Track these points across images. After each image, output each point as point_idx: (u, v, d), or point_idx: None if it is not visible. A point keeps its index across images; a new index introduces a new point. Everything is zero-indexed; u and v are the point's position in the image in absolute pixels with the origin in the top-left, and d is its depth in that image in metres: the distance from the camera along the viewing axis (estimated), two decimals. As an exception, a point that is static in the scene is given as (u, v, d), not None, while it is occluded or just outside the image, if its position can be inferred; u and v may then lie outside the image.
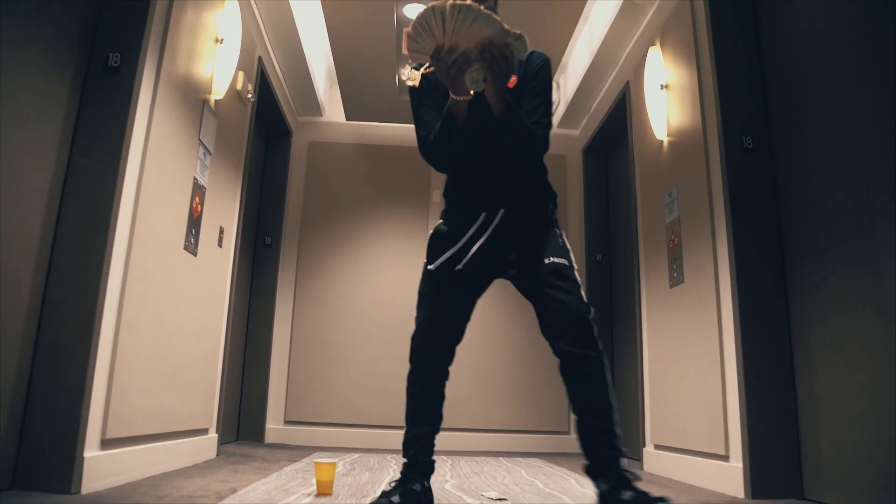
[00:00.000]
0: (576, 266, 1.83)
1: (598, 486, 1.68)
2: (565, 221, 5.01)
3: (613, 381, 1.74)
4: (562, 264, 1.79)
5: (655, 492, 1.60)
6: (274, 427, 4.51)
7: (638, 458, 3.63)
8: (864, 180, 2.21)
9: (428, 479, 1.85)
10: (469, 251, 1.85)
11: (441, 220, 1.99)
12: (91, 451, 2.03)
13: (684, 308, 3.11)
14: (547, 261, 1.79)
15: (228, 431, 4.10)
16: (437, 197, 4.93)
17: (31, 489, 1.91)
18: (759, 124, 2.84)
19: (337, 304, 4.74)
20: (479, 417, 4.53)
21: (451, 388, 1.92)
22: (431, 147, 1.87)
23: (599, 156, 5.03)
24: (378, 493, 1.85)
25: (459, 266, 1.84)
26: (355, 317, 4.73)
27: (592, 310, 1.75)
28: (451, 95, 1.74)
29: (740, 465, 2.53)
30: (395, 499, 1.73)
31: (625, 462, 1.66)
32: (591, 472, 1.71)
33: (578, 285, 1.78)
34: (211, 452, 3.14)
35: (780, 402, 2.56)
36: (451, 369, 1.91)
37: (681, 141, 3.26)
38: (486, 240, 1.86)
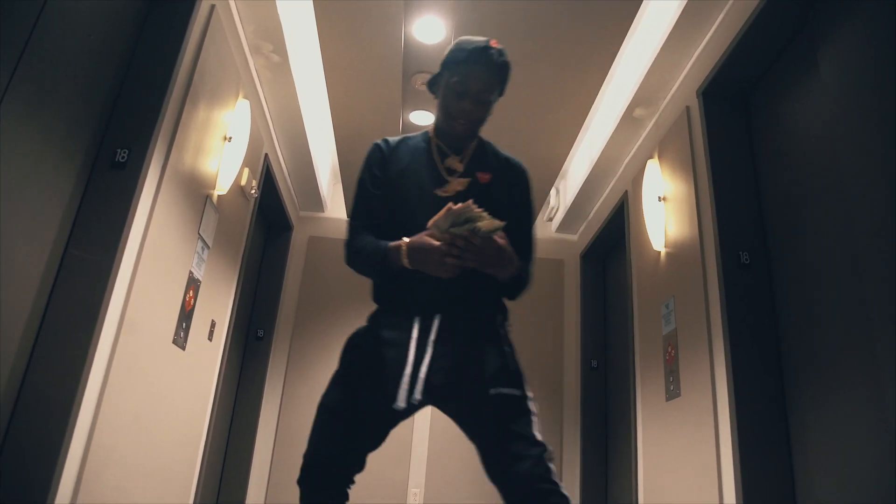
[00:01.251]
0: (530, 394, 1.53)
1: None
2: (561, 325, 4.97)
3: None
4: (511, 396, 1.50)
5: None
6: (252, 528, 4.30)
7: (633, 582, 3.43)
8: (862, 296, 2.19)
9: None
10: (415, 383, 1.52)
11: (368, 323, 1.70)
12: (52, 558, 1.91)
13: (681, 423, 3.03)
14: (493, 391, 1.49)
15: (204, 534, 3.90)
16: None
17: None
18: (756, 240, 2.86)
19: (327, 401, 4.62)
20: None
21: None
22: (354, 253, 1.67)
23: (597, 261, 5.05)
24: None
25: (401, 404, 1.52)
26: (345, 415, 4.60)
27: (549, 449, 1.45)
28: (409, 259, 1.51)
29: None
30: None
31: None
32: None
33: (531, 422, 1.48)
34: (182, 558, 2.98)
35: (781, 530, 2.44)
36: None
37: (678, 253, 3.27)
38: (419, 355, 1.54)
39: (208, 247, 3.00)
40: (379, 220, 1.68)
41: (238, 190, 3.39)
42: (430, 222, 1.47)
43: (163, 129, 2.43)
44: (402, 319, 1.59)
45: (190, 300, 2.82)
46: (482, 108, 1.67)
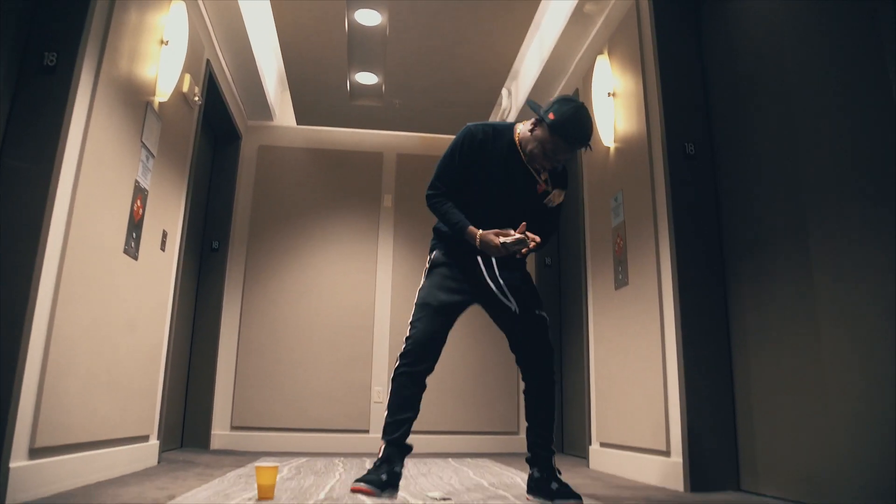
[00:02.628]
0: None
1: (531, 472, 2.24)
2: (517, 226, 5.06)
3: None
4: (545, 318, 2.29)
5: (589, 488, 1.85)
6: (220, 433, 4.44)
7: (584, 455, 3.67)
8: (798, 185, 2.29)
9: (403, 460, 2.15)
10: (496, 283, 2.25)
11: (440, 251, 2.32)
12: (18, 462, 1.96)
13: (628, 309, 3.17)
14: (538, 313, 2.27)
15: (172, 438, 4.01)
16: (389, 202, 4.94)
17: (-45, 500, 1.84)
18: (702, 131, 2.92)
19: (286, 308, 4.69)
20: (431, 419, 4.52)
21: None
22: (437, 210, 2.29)
23: (550, 162, 5.08)
24: (364, 472, 2.11)
25: (502, 296, 2.25)
26: (304, 322, 4.69)
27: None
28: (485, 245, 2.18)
29: (680, 459, 2.59)
30: (384, 476, 2.06)
31: (555, 460, 2.24)
32: (530, 462, 2.25)
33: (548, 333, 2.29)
34: (151, 460, 3.07)
35: (718, 398, 2.63)
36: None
37: (627, 147, 3.32)
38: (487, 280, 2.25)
39: (153, 156, 2.93)
40: (454, 190, 2.28)
41: (180, 97, 3.29)
42: (500, 239, 2.14)
43: (92, 30, 2.32)
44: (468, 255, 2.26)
45: (138, 210, 2.79)
46: None
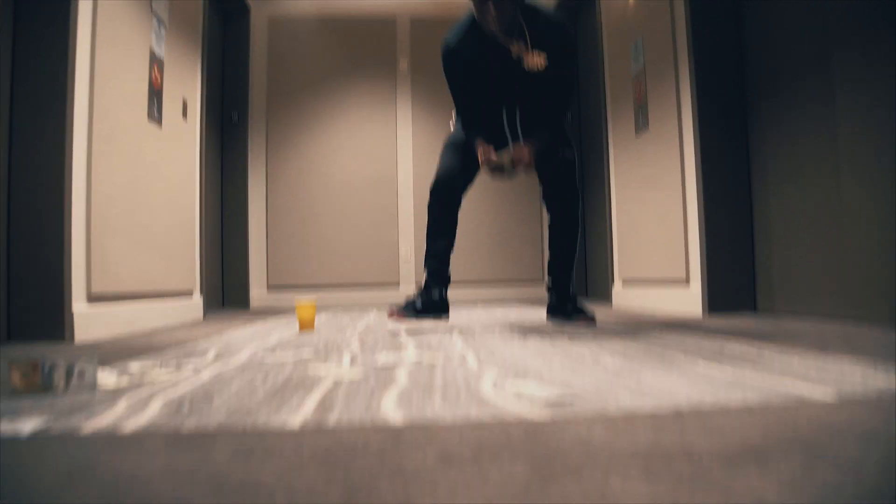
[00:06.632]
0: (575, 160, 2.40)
1: (550, 298, 2.40)
2: (536, 85, 4.98)
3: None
4: (571, 161, 2.37)
5: (609, 317, 1.99)
6: (258, 293, 4.68)
7: (607, 297, 3.81)
8: (825, 20, 2.22)
9: (446, 289, 2.27)
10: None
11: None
12: (79, 305, 2.14)
13: (649, 152, 3.19)
14: (562, 156, 2.33)
15: (214, 301, 4.23)
16: (404, 65, 4.89)
17: (26, 340, 2.03)
18: (724, -38, 2.80)
19: (310, 173, 4.81)
20: (459, 271, 4.69)
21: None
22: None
23: (570, 15, 4.93)
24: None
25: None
26: (330, 186, 4.80)
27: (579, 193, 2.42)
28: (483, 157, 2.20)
29: (699, 286, 2.69)
30: (418, 304, 2.22)
31: (573, 289, 2.37)
32: (550, 289, 2.40)
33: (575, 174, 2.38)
34: (197, 314, 3.26)
35: (737, 229, 2.70)
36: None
37: (644, -15, 3.22)
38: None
39: (164, 25, 2.93)
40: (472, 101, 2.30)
41: (183, -37, 3.23)
42: (482, 158, 2.18)
43: None
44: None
45: (156, 78, 2.83)
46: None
